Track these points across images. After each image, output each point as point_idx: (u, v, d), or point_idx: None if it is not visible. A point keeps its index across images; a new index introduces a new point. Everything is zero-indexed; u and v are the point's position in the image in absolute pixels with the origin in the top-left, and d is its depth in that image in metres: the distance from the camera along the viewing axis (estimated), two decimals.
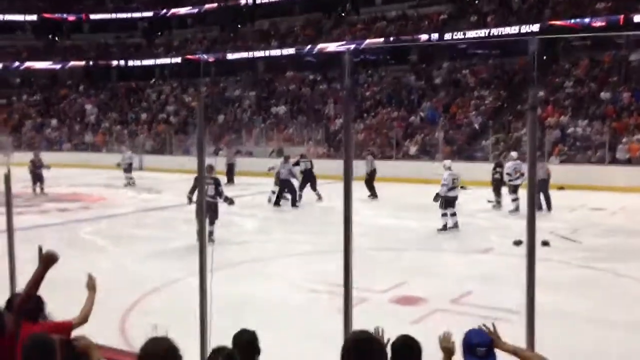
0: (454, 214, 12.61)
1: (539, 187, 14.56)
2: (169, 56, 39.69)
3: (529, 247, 3.10)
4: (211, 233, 10.82)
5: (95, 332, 3.57)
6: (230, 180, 21.96)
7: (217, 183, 11.51)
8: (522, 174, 14.36)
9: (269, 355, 3.31)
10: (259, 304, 7.61)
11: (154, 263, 10.10)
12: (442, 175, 12.87)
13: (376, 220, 13.68)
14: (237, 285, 8.61)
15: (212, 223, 11.08)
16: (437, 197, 12.69)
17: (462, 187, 12.90)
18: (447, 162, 13.65)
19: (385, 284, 8.45)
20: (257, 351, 3.21)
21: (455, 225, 12.56)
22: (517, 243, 10.63)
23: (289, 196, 16.27)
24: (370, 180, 17.55)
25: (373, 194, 17.34)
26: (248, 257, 10.44)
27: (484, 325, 3.28)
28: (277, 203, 16.26)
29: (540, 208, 14.31)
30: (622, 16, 25.35)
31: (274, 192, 16.52)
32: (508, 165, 15.01)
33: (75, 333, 3.57)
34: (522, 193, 13.74)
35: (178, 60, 38.74)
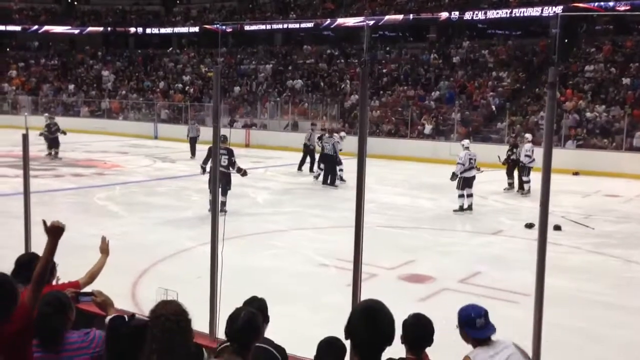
0: (470, 195, 12.52)
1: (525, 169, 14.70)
2: (186, 25, 39.53)
3: (541, 230, 3.09)
4: (223, 204, 10.87)
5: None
6: (193, 154, 20.82)
7: (230, 154, 11.44)
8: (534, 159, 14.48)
9: (276, 325, 3.35)
10: (268, 275, 7.68)
11: (166, 231, 10.20)
12: (459, 155, 12.78)
13: (389, 199, 13.68)
14: (247, 255, 8.68)
15: (224, 194, 11.12)
16: (453, 176, 12.59)
17: (477, 169, 12.79)
18: (466, 141, 13.55)
19: (395, 261, 8.48)
20: (266, 319, 3.25)
21: (470, 207, 12.49)
22: (529, 226, 10.62)
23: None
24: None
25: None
26: (259, 229, 10.50)
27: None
28: (329, 182, 15.55)
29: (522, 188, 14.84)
30: None
31: (321, 169, 16.12)
32: (527, 147, 14.89)
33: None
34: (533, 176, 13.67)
35: (196, 29, 38.60)
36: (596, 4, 26.01)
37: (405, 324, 3.07)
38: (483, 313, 3.19)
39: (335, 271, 8.01)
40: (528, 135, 15.90)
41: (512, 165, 15.29)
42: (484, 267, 8.35)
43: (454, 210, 12.40)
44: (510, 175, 15.34)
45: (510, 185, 15.31)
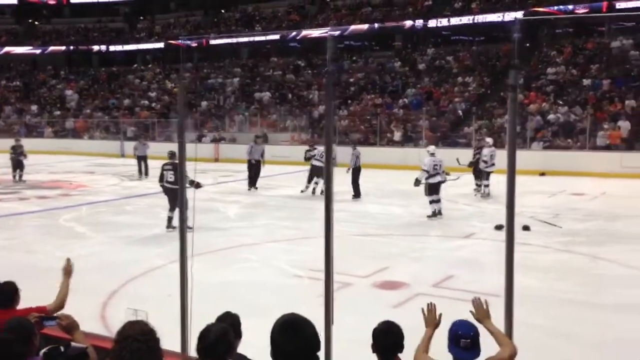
0: (438, 200, 12.59)
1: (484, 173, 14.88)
2: (151, 41, 39.27)
3: (508, 232, 3.12)
4: (170, 219, 11.03)
5: (75, 318, 3.54)
6: (142, 172, 20.11)
7: (177, 169, 10.91)
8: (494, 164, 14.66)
9: (250, 339, 3.30)
10: (241, 289, 7.60)
11: (135, 250, 10.04)
12: (423, 161, 12.90)
13: (361, 207, 13.70)
14: (220, 270, 8.61)
15: (172, 209, 11.10)
16: (417, 182, 12.69)
17: (446, 174, 12.90)
18: (431, 147, 13.66)
19: (368, 269, 8.48)
20: (239, 335, 3.21)
21: (439, 212, 12.56)
22: (499, 227, 10.73)
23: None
24: (355, 178, 15.24)
25: (356, 193, 15.14)
26: (232, 243, 10.41)
27: (478, 299, 3.30)
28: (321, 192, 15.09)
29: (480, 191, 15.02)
30: (605, 3, 25.50)
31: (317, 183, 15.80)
32: (484, 153, 15.02)
33: None
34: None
35: (160, 45, 38.36)
36: (556, 7, 26.63)
37: (375, 332, 3.07)
38: (472, 334, 3.02)
39: (309, 282, 7.96)
40: (489, 140, 15.90)
41: (477, 168, 15.47)
42: (456, 271, 8.40)
43: (428, 216, 12.46)
44: (478, 177, 15.52)
45: (479, 186, 15.49)
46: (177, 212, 10.67)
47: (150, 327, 2.54)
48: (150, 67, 39.07)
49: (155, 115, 31.61)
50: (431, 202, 12.54)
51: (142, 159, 20.33)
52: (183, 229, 4.09)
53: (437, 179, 12.60)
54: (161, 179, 11.60)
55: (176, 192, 10.91)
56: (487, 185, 14.94)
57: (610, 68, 24.22)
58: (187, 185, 11.24)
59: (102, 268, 8.46)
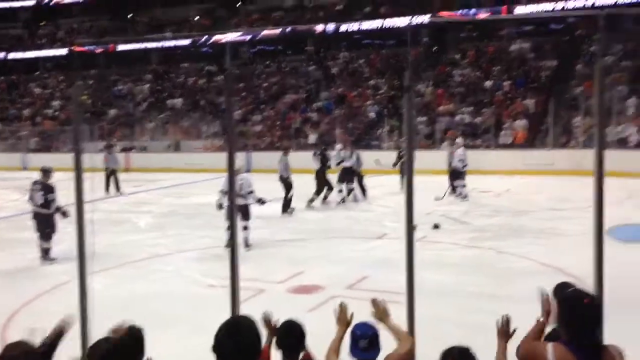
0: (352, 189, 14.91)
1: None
2: (54, 47, 37.55)
3: (407, 230, 3.16)
4: (46, 251, 9.61)
5: None
6: (112, 187, 18.34)
7: (46, 190, 9.68)
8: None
9: (159, 352, 3.18)
10: (153, 301, 7.37)
11: (39, 266, 9.53)
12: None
13: (275, 212, 13.64)
14: (129, 283, 8.32)
15: (47, 238, 9.64)
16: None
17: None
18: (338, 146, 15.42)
19: (283, 274, 8.44)
20: (141, 349, 3.08)
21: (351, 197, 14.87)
22: (435, 227, 11.05)
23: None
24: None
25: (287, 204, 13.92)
26: (142, 254, 10.09)
27: (375, 299, 3.33)
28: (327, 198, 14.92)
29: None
30: (504, 7, 26.80)
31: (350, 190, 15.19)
32: (459, 152, 15.04)
33: None
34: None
35: (64, 51, 36.74)
36: (459, 12, 27.74)
37: (276, 331, 3.15)
38: (370, 333, 3.06)
39: (222, 291, 7.79)
40: (459, 140, 15.93)
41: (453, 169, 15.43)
42: (370, 271, 8.51)
43: (337, 203, 14.49)
44: (456, 179, 15.28)
45: (455, 188, 15.34)
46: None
47: (30, 347, 2.39)
48: (53, 75, 37.33)
49: (60, 125, 30.23)
50: (340, 190, 14.59)
51: (113, 172, 18.24)
52: (82, 242, 3.89)
53: (348, 163, 14.69)
54: (31, 199, 9.84)
55: (47, 217, 9.64)
56: (464, 186, 14.94)
57: (510, 70, 25.46)
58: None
59: (2, 287, 7.98)
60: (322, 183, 14.59)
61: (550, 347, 2.54)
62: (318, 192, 14.57)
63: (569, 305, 2.55)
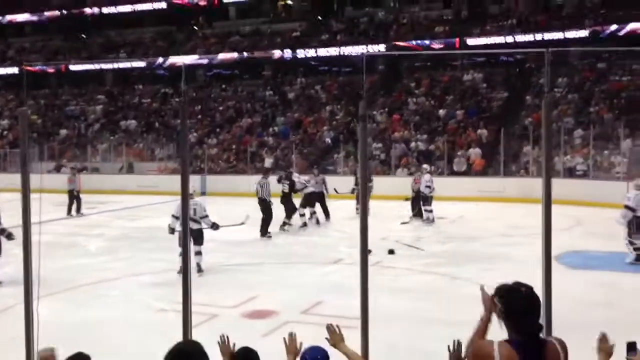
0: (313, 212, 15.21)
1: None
2: (4, 66, 36.63)
3: (362, 255, 3.19)
4: None
5: None
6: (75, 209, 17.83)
7: None
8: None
9: None
10: (101, 327, 7.15)
11: None
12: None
13: (230, 236, 13.48)
14: (78, 309, 8.07)
15: None
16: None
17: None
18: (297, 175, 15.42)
19: (237, 299, 8.34)
20: None
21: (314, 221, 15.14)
22: (390, 252, 11.12)
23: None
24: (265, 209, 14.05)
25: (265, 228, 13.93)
26: (92, 278, 9.81)
27: (330, 325, 3.33)
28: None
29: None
30: (457, 39, 27.63)
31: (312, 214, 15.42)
32: (427, 178, 15.38)
33: None
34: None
35: (15, 70, 35.85)
36: (414, 42, 28.42)
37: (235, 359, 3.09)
38: (319, 357, 3.09)
39: (174, 315, 7.65)
40: (426, 166, 16.74)
41: (415, 196, 15.77)
42: (325, 296, 8.49)
43: (300, 226, 14.73)
44: (423, 203, 15.55)
45: (419, 212, 15.57)
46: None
47: None
48: (2, 94, 36.34)
49: (8, 145, 29.35)
50: (302, 215, 14.80)
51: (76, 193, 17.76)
52: (28, 265, 3.77)
53: (311, 189, 15.02)
54: None
55: None
56: (430, 211, 15.27)
57: (464, 99, 26.12)
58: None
59: None
60: (291, 207, 14.76)
61: (496, 344, 2.61)
62: (289, 216, 14.65)
63: (508, 297, 2.70)
